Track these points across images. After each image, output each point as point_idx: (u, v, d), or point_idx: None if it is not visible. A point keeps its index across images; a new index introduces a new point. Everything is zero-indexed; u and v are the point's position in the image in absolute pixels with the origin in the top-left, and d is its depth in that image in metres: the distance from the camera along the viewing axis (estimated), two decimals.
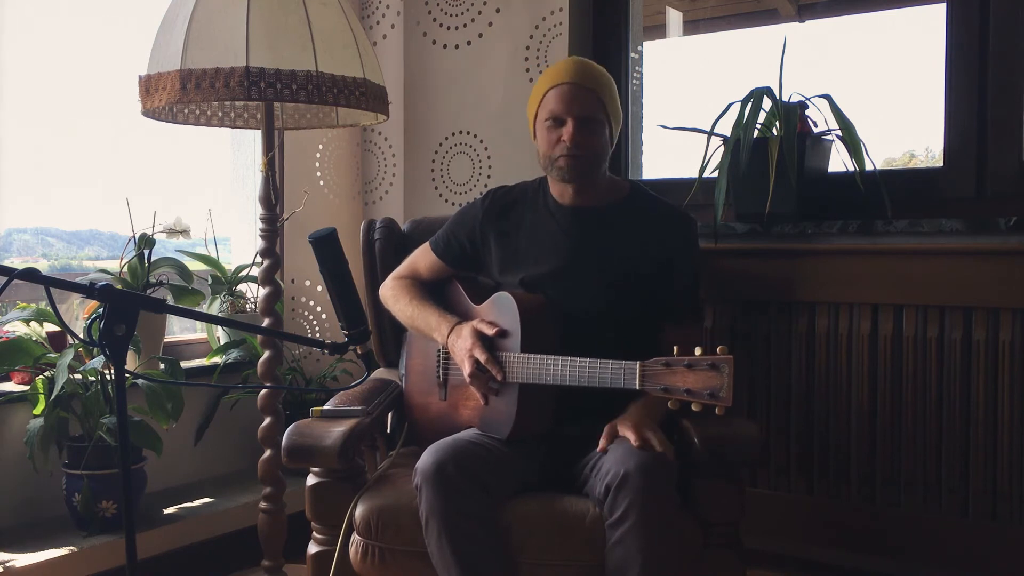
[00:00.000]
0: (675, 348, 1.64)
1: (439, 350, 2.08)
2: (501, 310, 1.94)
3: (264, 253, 2.26)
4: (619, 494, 1.68)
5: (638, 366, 1.66)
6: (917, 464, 2.32)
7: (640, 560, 1.66)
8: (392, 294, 2.17)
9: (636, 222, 2.00)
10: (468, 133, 3.01)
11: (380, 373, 2.40)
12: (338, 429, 1.85)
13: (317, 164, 3.08)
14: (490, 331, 1.89)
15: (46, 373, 2.26)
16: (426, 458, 1.77)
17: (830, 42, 2.84)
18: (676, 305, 1.98)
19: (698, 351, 1.60)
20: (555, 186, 2.03)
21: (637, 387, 1.69)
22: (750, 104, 2.39)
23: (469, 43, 2.99)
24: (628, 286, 1.97)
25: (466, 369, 1.89)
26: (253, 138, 2.97)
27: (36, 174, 2.67)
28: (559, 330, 1.92)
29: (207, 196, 3.03)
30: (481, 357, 1.87)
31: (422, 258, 2.19)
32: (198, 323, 2.98)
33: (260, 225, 2.26)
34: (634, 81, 2.94)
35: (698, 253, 2.06)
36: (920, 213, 2.34)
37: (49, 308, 1.67)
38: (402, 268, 2.22)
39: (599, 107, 1.93)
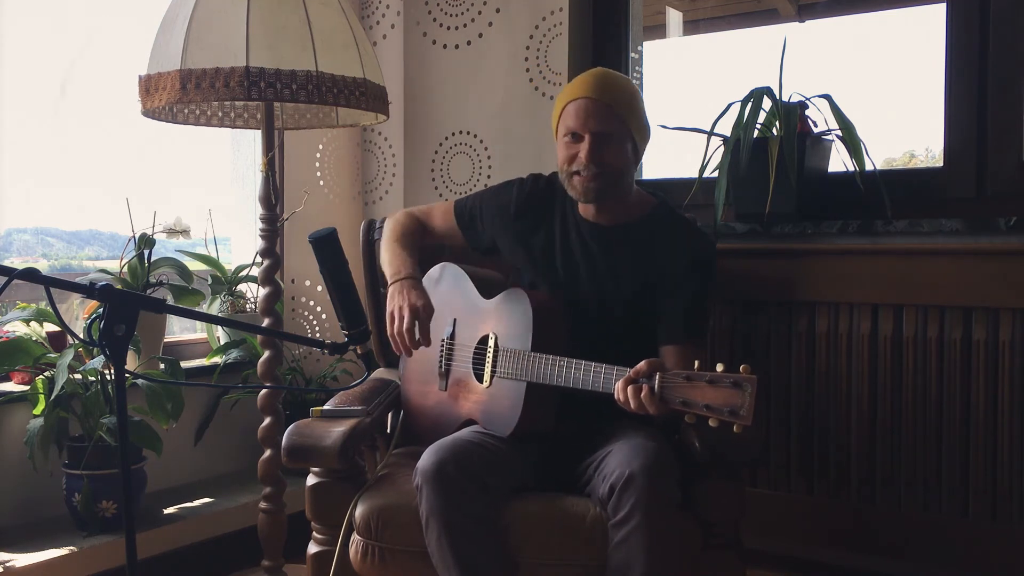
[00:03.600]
0: (696, 363, 1.60)
1: (443, 340, 2.08)
2: (514, 306, 1.94)
3: (264, 253, 2.26)
4: (623, 495, 1.68)
5: (658, 376, 1.63)
6: (917, 464, 2.32)
7: (643, 560, 1.66)
8: (393, 223, 2.15)
9: (655, 241, 1.96)
10: (468, 133, 3.01)
11: (380, 373, 2.40)
12: (338, 429, 1.85)
13: (317, 164, 3.08)
14: (422, 313, 1.92)
15: (46, 373, 2.25)
16: (426, 458, 1.77)
17: (830, 42, 2.84)
18: (679, 324, 1.93)
19: (720, 367, 1.57)
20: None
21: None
22: (750, 104, 2.39)
23: (469, 43, 2.99)
24: (641, 305, 1.95)
25: (393, 326, 1.93)
26: (253, 138, 2.97)
27: (36, 174, 2.67)
28: (569, 332, 1.92)
29: (207, 196, 3.03)
30: (393, 329, 1.92)
31: (441, 215, 2.17)
32: (198, 323, 2.98)
33: (260, 225, 2.26)
34: (634, 81, 2.94)
35: (712, 276, 1.99)
36: (920, 213, 2.34)
37: (49, 308, 1.67)
38: (417, 209, 2.19)
39: (618, 122, 1.88)
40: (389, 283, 2.04)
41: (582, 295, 1.98)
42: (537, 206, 2.06)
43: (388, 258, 2.09)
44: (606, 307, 1.97)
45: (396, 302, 1.96)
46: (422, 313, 1.93)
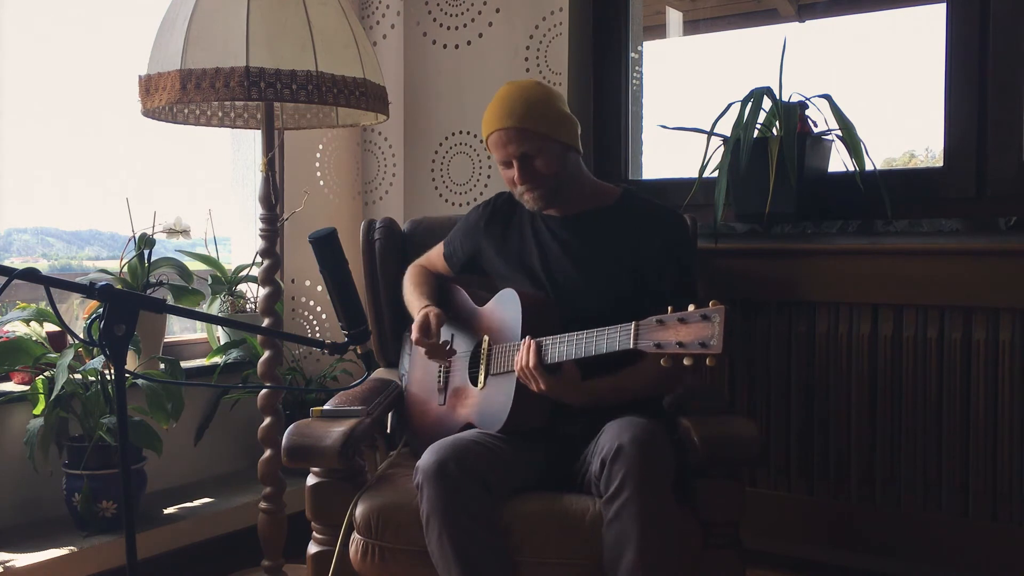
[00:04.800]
0: (669, 308, 1.63)
1: None
2: (505, 305, 1.97)
3: (264, 253, 2.26)
4: (614, 466, 1.69)
5: (633, 325, 1.66)
6: (917, 464, 2.32)
7: (636, 535, 1.65)
8: (406, 278, 2.29)
9: (624, 225, 2.00)
10: (468, 133, 3.01)
11: (380, 373, 2.40)
12: (338, 429, 1.85)
13: (317, 164, 3.07)
14: (434, 323, 2.02)
15: (46, 373, 2.25)
16: (427, 457, 1.77)
17: (830, 42, 2.84)
18: (671, 302, 1.95)
19: (692, 307, 1.60)
20: None
21: (631, 346, 1.67)
22: (750, 104, 2.39)
23: (469, 43, 2.99)
24: (620, 289, 1.96)
25: (413, 339, 2.04)
26: (253, 138, 2.97)
27: (36, 174, 2.67)
28: (560, 324, 1.92)
29: (207, 196, 3.03)
30: (414, 338, 2.02)
31: (436, 254, 2.28)
32: (198, 323, 2.98)
33: (260, 225, 2.26)
34: (634, 81, 2.94)
35: (691, 250, 2.04)
36: (920, 213, 2.34)
37: (49, 308, 1.67)
38: (421, 258, 2.33)
39: (533, 137, 1.93)
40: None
41: (566, 285, 2.00)
42: (504, 216, 2.13)
43: (407, 303, 2.23)
44: (591, 293, 1.98)
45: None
46: (431, 320, 2.03)
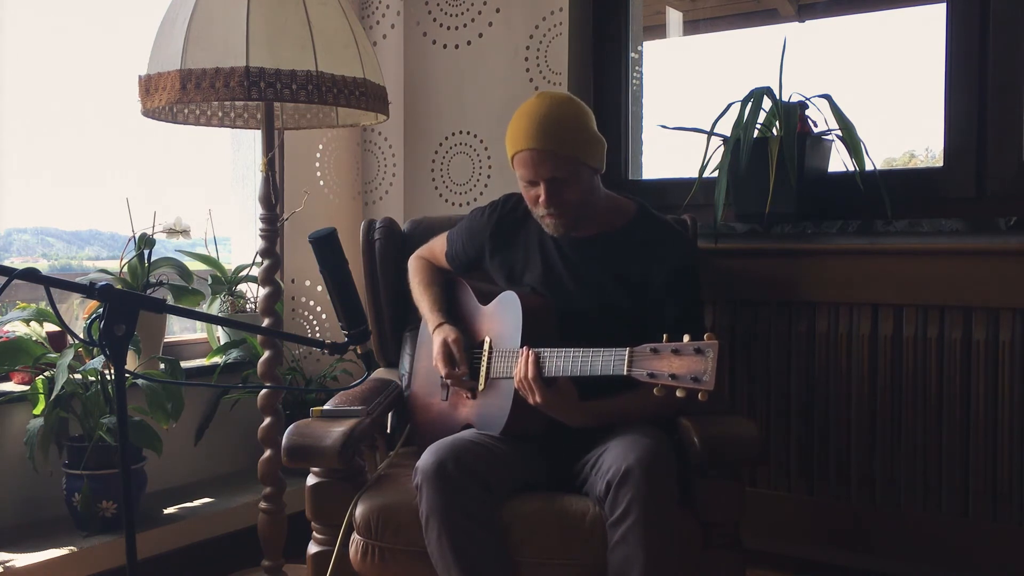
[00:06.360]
0: (664, 336, 1.63)
1: None
2: (505, 308, 1.96)
3: (264, 253, 2.26)
4: (620, 490, 1.68)
5: (627, 352, 1.66)
6: (917, 464, 2.32)
7: (642, 558, 1.66)
8: (411, 270, 2.28)
9: (635, 251, 1.96)
10: (468, 133, 3.01)
11: (380, 373, 2.40)
12: (338, 429, 1.85)
13: (317, 164, 3.08)
14: (456, 351, 1.99)
15: (46, 373, 2.25)
16: (426, 457, 1.77)
17: (830, 42, 2.84)
18: (676, 329, 1.91)
19: (686, 338, 1.60)
20: None
21: (625, 372, 1.67)
22: (750, 104, 2.39)
23: (469, 43, 2.99)
24: (623, 315, 1.94)
25: (441, 372, 2.01)
26: (253, 138, 2.97)
27: (36, 174, 2.67)
28: (558, 328, 1.92)
29: (207, 196, 3.03)
30: (443, 372, 1.99)
31: (439, 248, 2.25)
32: (198, 323, 2.98)
33: (260, 225, 2.26)
34: (634, 81, 2.94)
35: (697, 276, 1.98)
36: (920, 213, 2.34)
37: (49, 308, 1.67)
38: (423, 248, 2.30)
39: (566, 162, 1.87)
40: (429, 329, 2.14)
41: (567, 308, 1.97)
42: (510, 226, 2.09)
43: (417, 305, 2.20)
44: (592, 318, 1.95)
45: (432, 349, 2.05)
46: (452, 347, 2.00)
